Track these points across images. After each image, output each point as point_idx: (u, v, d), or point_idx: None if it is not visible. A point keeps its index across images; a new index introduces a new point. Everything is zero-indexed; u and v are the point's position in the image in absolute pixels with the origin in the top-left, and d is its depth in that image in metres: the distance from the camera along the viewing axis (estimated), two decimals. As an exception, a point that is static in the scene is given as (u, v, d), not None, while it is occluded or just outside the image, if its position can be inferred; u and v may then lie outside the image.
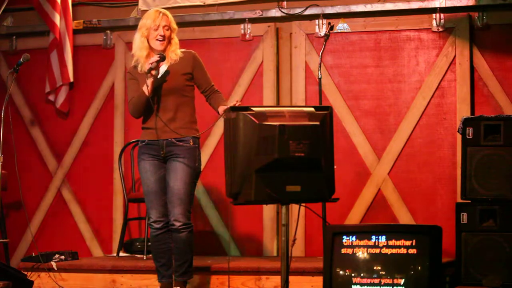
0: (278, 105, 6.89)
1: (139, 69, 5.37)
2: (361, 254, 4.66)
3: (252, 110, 4.58)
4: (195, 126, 5.43)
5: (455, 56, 6.60)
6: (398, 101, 6.73)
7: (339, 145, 6.35)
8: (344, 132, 6.80)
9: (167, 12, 5.40)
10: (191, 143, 5.35)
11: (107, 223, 7.30)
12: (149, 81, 5.25)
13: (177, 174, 5.29)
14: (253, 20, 7.04)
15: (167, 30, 5.35)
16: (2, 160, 6.08)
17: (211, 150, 7.03)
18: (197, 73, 5.43)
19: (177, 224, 5.30)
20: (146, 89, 5.25)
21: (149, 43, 5.35)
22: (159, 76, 5.34)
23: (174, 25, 5.41)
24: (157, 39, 5.32)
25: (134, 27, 7.23)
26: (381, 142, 6.74)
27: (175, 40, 5.41)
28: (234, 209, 6.77)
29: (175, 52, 5.38)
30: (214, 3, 7.15)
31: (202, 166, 6.32)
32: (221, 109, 5.31)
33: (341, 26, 6.84)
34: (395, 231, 4.70)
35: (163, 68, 5.37)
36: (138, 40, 5.38)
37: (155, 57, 5.26)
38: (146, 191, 5.42)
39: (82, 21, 7.42)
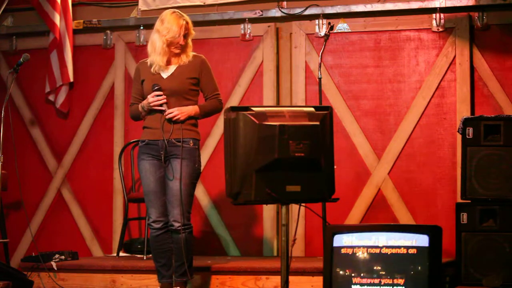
0: (278, 105, 6.90)
1: (152, 69, 5.39)
2: (361, 254, 4.65)
3: (252, 110, 4.58)
4: (195, 128, 5.44)
5: (455, 56, 6.60)
6: (398, 101, 6.73)
7: (339, 145, 6.35)
8: (344, 132, 6.80)
9: (188, 19, 5.40)
10: (191, 144, 5.35)
11: (107, 223, 7.30)
12: (146, 105, 5.35)
13: (177, 175, 5.29)
14: (253, 20, 7.04)
15: (186, 37, 5.37)
16: (2, 160, 6.08)
17: (211, 150, 7.03)
18: (202, 78, 5.44)
19: (177, 224, 5.30)
20: (143, 110, 5.38)
21: (169, 48, 5.36)
22: (165, 76, 5.36)
23: (193, 31, 5.43)
24: (176, 47, 5.36)
25: (134, 27, 7.31)
26: (381, 142, 6.74)
27: (189, 43, 5.43)
28: (234, 209, 6.76)
29: (187, 54, 5.41)
30: (214, 3, 7.15)
31: (202, 167, 6.32)
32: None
33: (341, 26, 6.84)
34: (395, 231, 4.69)
35: (170, 69, 5.39)
36: (159, 46, 5.34)
37: (163, 100, 5.30)
38: (145, 191, 5.43)
39: (82, 21, 7.42)
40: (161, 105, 5.32)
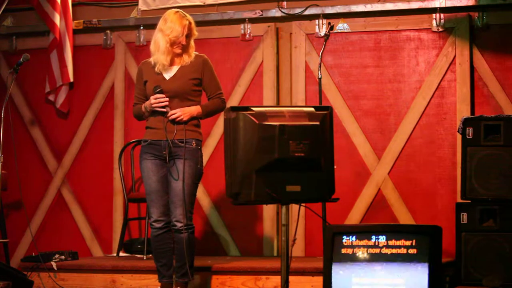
0: (278, 105, 6.90)
1: (156, 69, 5.39)
2: (361, 254, 4.65)
3: (252, 110, 4.59)
4: (198, 129, 5.44)
5: (455, 56, 6.60)
6: (398, 101, 6.73)
7: (339, 145, 6.34)
8: (344, 132, 6.80)
9: (191, 19, 5.41)
10: (194, 145, 5.35)
11: (107, 223, 7.30)
12: (148, 106, 5.35)
13: (179, 175, 5.30)
14: (253, 20, 7.04)
15: (188, 37, 5.37)
16: (2, 160, 6.08)
17: (211, 150, 7.03)
18: (205, 79, 5.44)
19: (179, 224, 5.30)
20: (146, 111, 5.39)
21: (172, 47, 5.36)
22: (168, 78, 5.37)
23: (195, 32, 5.42)
24: (178, 47, 5.35)
25: (134, 27, 7.31)
26: (381, 142, 6.74)
27: (192, 44, 5.43)
28: (234, 209, 6.76)
29: (189, 55, 5.40)
30: (214, 3, 7.15)
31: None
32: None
33: (341, 26, 6.84)
34: (395, 231, 4.69)
35: (173, 70, 5.39)
36: (163, 45, 5.34)
37: (165, 102, 5.31)
38: (147, 190, 5.43)
39: (82, 21, 7.42)
40: (163, 106, 5.32)
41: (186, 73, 5.39)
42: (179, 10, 5.46)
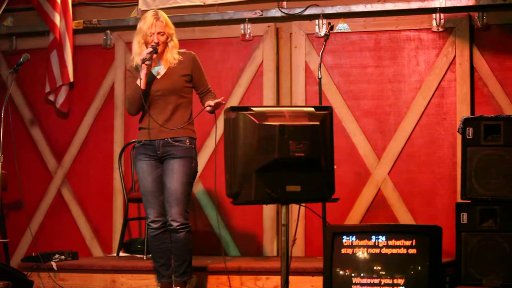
0: (278, 105, 6.90)
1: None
2: (361, 254, 4.66)
3: (252, 110, 4.59)
4: (191, 127, 5.43)
5: (455, 56, 6.60)
6: (398, 101, 6.73)
7: (339, 145, 6.35)
8: (344, 132, 6.80)
9: (163, 17, 5.35)
10: (187, 143, 5.35)
11: (107, 223, 7.30)
12: (143, 73, 5.26)
13: (174, 174, 5.30)
14: (253, 20, 7.04)
15: (162, 35, 5.34)
16: (2, 160, 6.08)
17: (211, 150, 7.03)
18: (195, 75, 5.43)
19: (175, 224, 5.30)
20: (140, 82, 5.27)
21: (147, 47, 5.34)
22: (158, 76, 5.35)
23: (170, 30, 5.36)
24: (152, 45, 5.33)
25: (134, 27, 7.22)
26: (381, 142, 6.74)
27: (174, 43, 5.39)
28: (234, 209, 6.76)
29: (173, 56, 5.37)
30: (214, 3, 7.15)
31: (202, 166, 6.33)
32: (207, 102, 5.32)
33: (341, 26, 6.84)
34: (395, 231, 4.70)
35: (161, 69, 5.37)
36: (136, 46, 5.37)
37: (148, 49, 5.26)
38: (143, 191, 5.43)
39: (82, 21, 7.42)
40: (151, 51, 5.25)
41: (176, 70, 5.36)
42: (158, 10, 5.41)
